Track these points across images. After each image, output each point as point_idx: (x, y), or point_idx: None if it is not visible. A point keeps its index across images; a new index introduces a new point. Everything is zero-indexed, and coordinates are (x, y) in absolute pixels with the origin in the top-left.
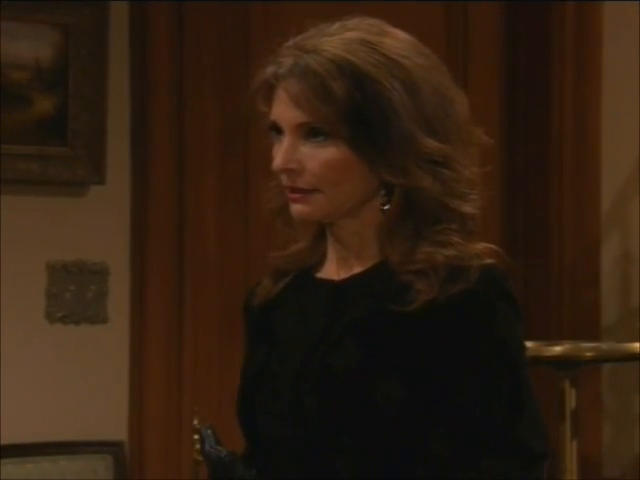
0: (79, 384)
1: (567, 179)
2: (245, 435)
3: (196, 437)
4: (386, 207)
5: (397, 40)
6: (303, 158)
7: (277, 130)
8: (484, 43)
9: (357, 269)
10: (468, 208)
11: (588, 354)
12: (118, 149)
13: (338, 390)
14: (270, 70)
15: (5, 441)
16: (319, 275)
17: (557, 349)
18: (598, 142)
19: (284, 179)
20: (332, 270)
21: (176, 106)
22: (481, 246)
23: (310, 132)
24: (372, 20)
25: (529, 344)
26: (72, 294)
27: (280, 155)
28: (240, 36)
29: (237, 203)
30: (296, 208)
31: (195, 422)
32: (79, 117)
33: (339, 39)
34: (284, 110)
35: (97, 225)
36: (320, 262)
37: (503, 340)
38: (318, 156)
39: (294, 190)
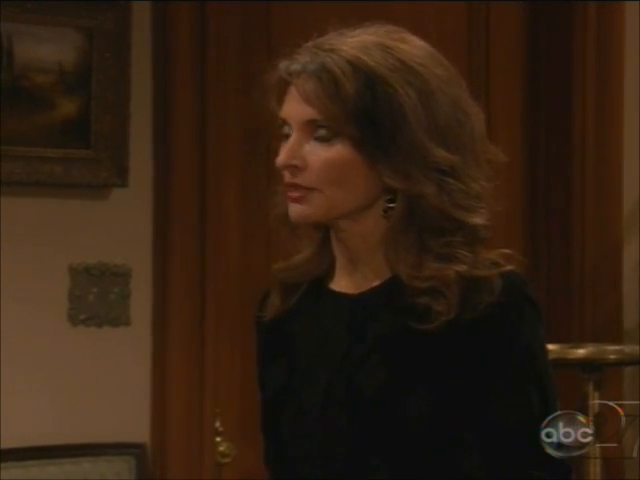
0: (101, 386)
1: (589, 183)
2: (271, 454)
3: (218, 439)
4: (387, 212)
5: (416, 48)
6: (307, 155)
7: (285, 129)
8: (506, 43)
9: (370, 281)
10: (476, 219)
11: (612, 357)
12: (141, 151)
13: (368, 408)
14: (284, 65)
15: (28, 443)
16: (332, 287)
17: (581, 352)
18: (620, 146)
19: (286, 176)
20: (345, 282)
21: (198, 107)
22: (496, 253)
23: (317, 130)
24: (393, 27)
25: (553, 347)
26: (94, 296)
27: (284, 151)
28: (262, 37)
29: (260, 204)
30: (294, 209)
31: (217, 424)
32: (102, 120)
33: (358, 41)
34: (294, 106)
35: (119, 227)
36: (330, 272)
37: (530, 347)
38: (322, 154)
39: (294, 187)
